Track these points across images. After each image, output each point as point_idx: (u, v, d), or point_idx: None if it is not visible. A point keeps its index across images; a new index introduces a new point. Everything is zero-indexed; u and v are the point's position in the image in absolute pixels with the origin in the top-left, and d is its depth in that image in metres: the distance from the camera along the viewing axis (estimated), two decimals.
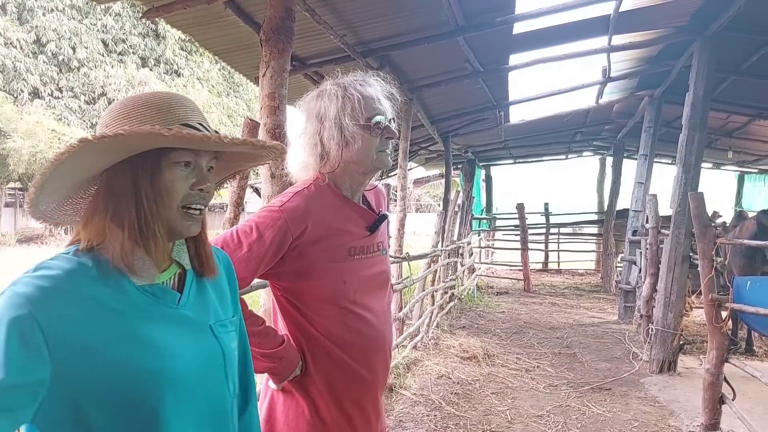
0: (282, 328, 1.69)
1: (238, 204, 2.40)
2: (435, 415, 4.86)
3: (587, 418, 5.01)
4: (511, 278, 14.03)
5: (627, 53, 7.61)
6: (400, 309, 6.17)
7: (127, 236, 1.00)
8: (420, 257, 6.89)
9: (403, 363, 5.96)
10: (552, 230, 16.67)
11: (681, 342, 6.44)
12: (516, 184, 17.59)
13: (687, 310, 6.65)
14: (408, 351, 6.32)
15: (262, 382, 1.78)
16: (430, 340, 6.99)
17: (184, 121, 1.02)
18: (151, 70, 27.47)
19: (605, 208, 14.53)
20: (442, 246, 7.96)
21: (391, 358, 1.82)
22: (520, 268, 13.35)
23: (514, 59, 6.81)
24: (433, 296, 7.67)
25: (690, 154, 6.57)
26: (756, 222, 7.05)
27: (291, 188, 1.70)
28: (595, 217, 16.23)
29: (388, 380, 1.89)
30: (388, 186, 13.50)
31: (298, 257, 1.60)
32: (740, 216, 8.64)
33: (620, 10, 5.66)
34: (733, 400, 4.52)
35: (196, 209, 1.05)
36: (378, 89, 1.70)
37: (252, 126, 2.43)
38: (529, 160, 16.75)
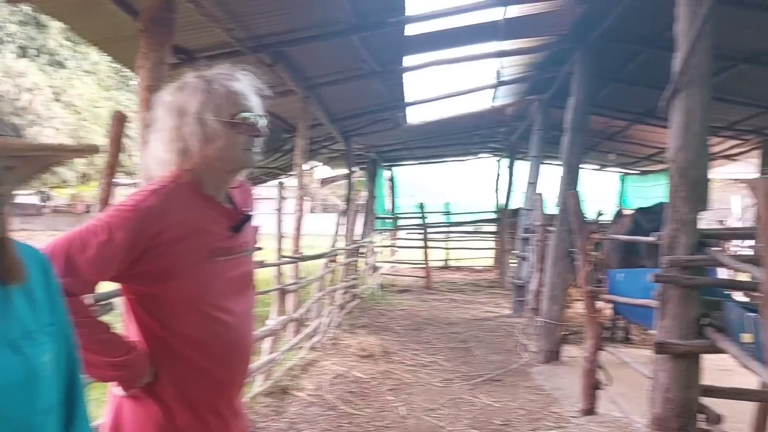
0: (133, 334, 1.60)
1: (106, 201, 2.29)
2: (330, 415, 4.86)
3: (477, 410, 5.19)
4: (413, 276, 14.28)
5: (517, 59, 7.96)
6: (297, 310, 6.12)
7: None
8: (317, 257, 6.88)
9: (299, 364, 5.92)
10: (453, 228, 17.12)
11: (565, 333, 6.80)
12: (420, 184, 17.84)
13: (570, 303, 7.05)
14: (305, 352, 6.29)
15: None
16: (328, 340, 6.99)
17: None
18: (31, 60, 25.67)
19: (502, 207, 15.12)
20: (343, 245, 7.99)
21: (250, 360, 1.79)
22: (422, 266, 13.64)
23: (409, 60, 6.95)
24: (332, 296, 7.68)
25: (572, 155, 6.97)
26: (632, 219, 7.57)
27: (147, 186, 1.62)
28: (492, 216, 16.82)
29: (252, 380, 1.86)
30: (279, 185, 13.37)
31: (155, 259, 1.53)
32: (619, 214, 9.25)
33: (507, 16, 5.90)
34: (608, 385, 4.84)
35: None
36: (246, 84, 1.65)
37: (120, 119, 2.33)
38: (432, 160, 17.14)
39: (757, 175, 14.30)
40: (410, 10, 5.34)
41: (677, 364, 3.31)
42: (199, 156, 1.59)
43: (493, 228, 16.97)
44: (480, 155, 17.03)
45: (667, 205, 3.54)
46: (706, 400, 3.39)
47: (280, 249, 5.54)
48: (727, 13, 5.38)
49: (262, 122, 1.66)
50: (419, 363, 6.66)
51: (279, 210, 5.40)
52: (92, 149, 1.01)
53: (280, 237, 5.53)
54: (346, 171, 15.27)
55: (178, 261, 1.54)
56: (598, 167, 15.70)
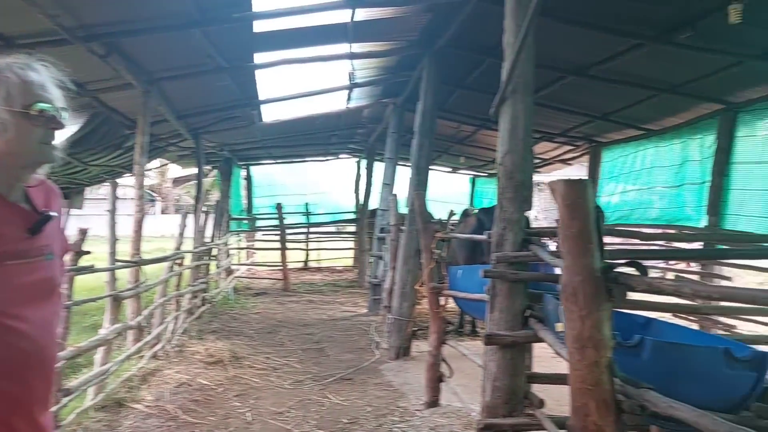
0: None
1: None
2: (169, 426, 4.63)
3: (326, 410, 5.20)
4: (271, 278, 14.06)
5: (369, 61, 8.09)
6: (136, 316, 5.76)
7: None
8: (157, 261, 6.53)
9: (138, 374, 5.58)
10: (313, 229, 17.08)
11: (414, 328, 7.02)
12: (280, 183, 17.60)
13: (419, 299, 7.29)
14: (146, 361, 5.94)
15: None
16: (173, 347, 6.65)
17: None
18: None
19: (361, 208, 15.35)
20: (190, 248, 7.65)
21: (53, 372, 1.65)
22: (280, 267, 13.47)
23: (259, 58, 6.80)
24: (178, 301, 7.32)
25: (421, 158, 7.22)
26: (476, 219, 8.00)
27: None
28: (352, 216, 17.01)
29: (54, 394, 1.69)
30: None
31: None
32: (465, 213, 9.72)
33: (356, 19, 5.97)
34: (450, 377, 5.06)
35: None
36: (44, 75, 1.55)
37: None
38: (291, 160, 16.99)
39: (556, 178, 15.70)
40: (257, 6, 5.22)
41: (505, 354, 3.52)
42: None
43: (353, 228, 17.19)
44: (340, 156, 17.17)
45: (497, 205, 3.76)
46: (539, 386, 3.64)
47: (113, 253, 5.17)
48: (556, 28, 5.88)
49: (63, 115, 1.56)
50: (270, 366, 6.56)
51: (111, 211, 5.04)
52: None
53: (114, 240, 5.16)
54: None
55: None
56: (450, 170, 16.45)
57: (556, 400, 3.83)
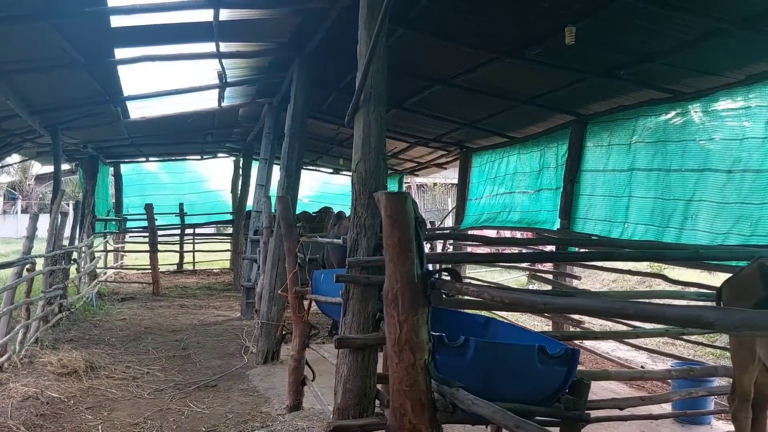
0: None
1: None
2: None
3: (185, 418, 5.07)
4: (141, 282, 13.44)
5: (241, 61, 7.94)
6: None
7: None
8: (4, 266, 6.05)
9: None
10: (188, 231, 16.49)
11: (284, 332, 6.99)
12: (153, 183, 16.84)
13: (288, 303, 7.26)
14: None
15: None
16: (21, 358, 6.19)
17: None
18: None
19: (237, 209, 15.04)
20: (43, 251, 7.14)
21: None
22: (150, 271, 12.90)
23: (121, 53, 6.49)
24: (28, 309, 6.80)
25: (291, 160, 7.21)
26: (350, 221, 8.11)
27: None
28: (230, 218, 16.61)
29: None
30: None
31: None
32: (338, 216, 9.84)
33: (221, 19, 5.85)
34: (312, 380, 5.10)
35: None
36: None
37: None
38: (166, 158, 16.31)
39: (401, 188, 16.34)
40: (113, 1, 4.99)
41: (356, 357, 3.62)
42: None
43: (230, 230, 16.78)
44: (218, 155, 16.70)
45: (351, 211, 3.84)
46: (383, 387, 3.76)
47: None
48: (421, 40, 6.11)
49: None
50: (130, 376, 6.28)
51: None
52: None
53: None
54: (66, 167, 13.82)
55: None
56: (332, 171, 16.53)
57: None
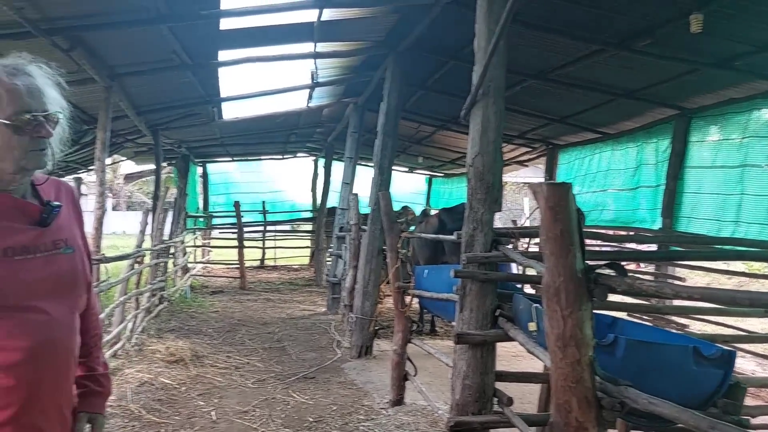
0: None
1: None
2: (133, 426, 4.56)
3: (291, 408, 5.19)
4: (227, 277, 13.91)
5: (333, 61, 8.08)
6: None
7: None
8: (120, 258, 6.39)
9: None
10: (270, 228, 16.95)
11: (376, 327, 7.07)
12: (237, 181, 17.39)
13: (381, 299, 7.34)
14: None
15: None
16: (133, 346, 6.52)
17: None
18: None
19: (318, 207, 15.31)
20: (149, 245, 7.50)
21: (73, 366, 1.65)
22: (237, 266, 13.33)
23: (224, 55, 6.73)
24: (137, 299, 7.17)
25: (384, 158, 7.26)
26: (438, 219, 8.11)
27: None
28: (309, 215, 16.96)
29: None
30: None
31: None
32: (424, 213, 9.85)
33: (323, 19, 5.97)
34: (415, 375, 5.13)
35: None
36: (37, 79, 1.52)
37: None
38: (249, 158, 16.81)
39: (541, 180, 16.09)
40: (226, 3, 5.18)
41: (475, 353, 3.60)
42: None
43: (309, 227, 17.13)
44: (298, 154, 17.07)
45: (467, 205, 3.83)
46: (500, 384, 3.73)
47: None
48: (520, 33, 6.02)
49: (56, 118, 1.55)
50: (232, 365, 6.50)
51: None
52: None
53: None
54: (152, 166, 14.46)
55: None
56: (407, 169, 16.58)
57: (519, 398, 3.94)
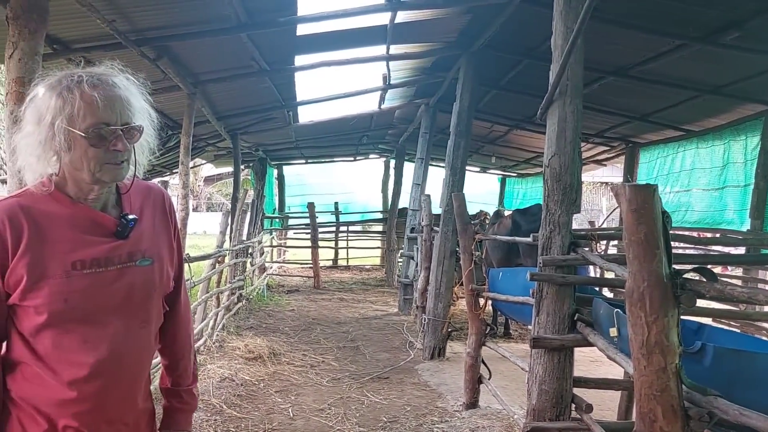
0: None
1: None
2: (215, 420, 4.74)
3: (366, 407, 5.26)
4: (302, 276, 14.23)
5: (405, 63, 8.13)
6: None
7: None
8: (203, 258, 6.66)
9: None
10: (342, 228, 17.22)
11: (449, 329, 7.05)
12: (309, 183, 17.76)
13: (454, 300, 7.31)
14: None
15: None
16: (214, 343, 6.78)
17: None
18: None
19: (389, 207, 15.42)
20: (228, 245, 7.78)
21: (141, 379, 1.65)
22: (311, 265, 13.61)
23: (300, 60, 6.90)
24: (218, 298, 7.46)
25: (456, 158, 7.23)
26: (511, 220, 7.99)
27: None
28: (380, 216, 17.10)
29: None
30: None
31: (10, 276, 1.45)
32: (497, 214, 9.71)
33: (396, 21, 6.02)
34: (489, 379, 5.08)
35: None
36: (120, 90, 1.50)
37: None
38: (321, 160, 17.13)
39: (619, 179, 15.55)
40: (302, 10, 5.31)
41: (551, 357, 3.53)
42: (60, 163, 1.49)
43: (380, 228, 17.27)
44: (370, 156, 17.25)
45: (543, 207, 3.76)
46: (577, 390, 3.64)
47: None
48: (597, 29, 5.84)
49: (140, 132, 1.54)
50: (308, 363, 6.65)
51: None
52: None
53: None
54: (230, 169, 14.98)
55: (32, 276, 1.45)
56: (479, 169, 16.41)
57: (597, 405, 3.83)
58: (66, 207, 1.51)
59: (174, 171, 10.66)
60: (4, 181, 12.25)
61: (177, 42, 5.29)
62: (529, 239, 3.95)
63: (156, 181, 8.87)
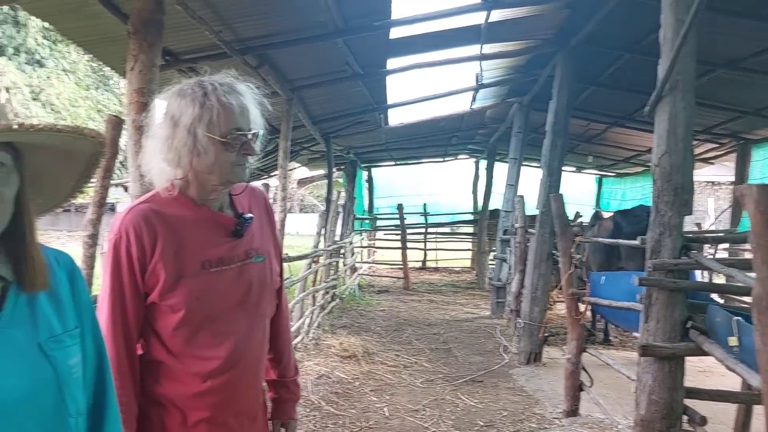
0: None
1: (101, 204, 2.24)
2: (314, 416, 4.86)
3: (460, 410, 5.22)
4: (391, 277, 14.33)
5: (497, 62, 8.01)
6: None
7: None
8: (301, 258, 6.86)
9: None
10: (430, 230, 17.20)
11: (546, 334, 6.86)
12: (398, 184, 17.88)
13: (551, 304, 7.11)
14: None
15: None
16: (310, 340, 6.97)
17: None
18: (9, 59, 25.07)
19: (479, 209, 15.23)
20: (323, 246, 7.97)
21: (261, 370, 1.74)
22: (401, 266, 13.68)
23: (392, 63, 6.96)
24: (314, 296, 7.65)
25: (553, 158, 7.04)
26: (613, 222, 7.68)
27: (132, 203, 1.62)
28: (470, 217, 16.93)
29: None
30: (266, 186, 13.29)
31: (150, 277, 1.54)
32: (596, 216, 9.36)
33: (490, 20, 5.94)
34: (590, 386, 4.90)
35: None
36: (246, 98, 1.60)
37: (115, 123, 2.29)
38: (409, 162, 17.19)
39: (729, 178, 14.56)
40: (396, 13, 5.35)
41: (662, 366, 3.36)
42: (188, 167, 1.56)
43: (470, 229, 17.11)
44: (459, 157, 17.13)
45: (649, 208, 3.59)
46: (688, 401, 3.45)
47: None
48: (707, 20, 5.50)
49: (259, 138, 1.62)
50: (401, 363, 6.68)
51: None
52: (97, 139, 1.01)
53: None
54: (322, 171, 15.34)
55: (168, 276, 1.54)
56: (575, 169, 15.90)
57: (710, 417, 3.60)
58: (190, 209, 1.60)
59: (272, 174, 11.05)
60: (119, 185, 13.15)
61: (276, 50, 5.47)
62: (636, 242, 3.78)
63: (256, 184, 9.23)
